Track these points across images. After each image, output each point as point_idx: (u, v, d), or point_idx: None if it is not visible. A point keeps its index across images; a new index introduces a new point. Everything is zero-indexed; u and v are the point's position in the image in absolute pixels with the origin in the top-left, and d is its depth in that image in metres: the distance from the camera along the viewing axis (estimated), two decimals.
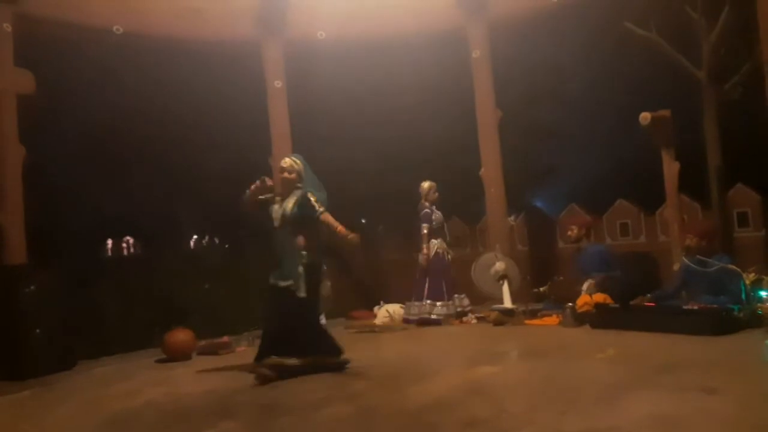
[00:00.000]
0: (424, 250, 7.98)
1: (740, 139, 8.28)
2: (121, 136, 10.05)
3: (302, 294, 5.31)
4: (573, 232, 7.85)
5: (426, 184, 8.23)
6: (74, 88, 8.98)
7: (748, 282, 6.05)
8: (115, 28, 7.69)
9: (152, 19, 8.01)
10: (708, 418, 3.51)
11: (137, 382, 5.83)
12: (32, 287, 6.58)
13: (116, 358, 7.18)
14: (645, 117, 7.23)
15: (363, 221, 12.36)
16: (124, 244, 12.84)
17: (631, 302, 6.59)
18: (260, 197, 5.51)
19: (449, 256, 8.18)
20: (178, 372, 6.26)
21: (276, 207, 5.50)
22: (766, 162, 6.80)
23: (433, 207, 8.15)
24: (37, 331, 6.45)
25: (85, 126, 9.52)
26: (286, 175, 5.53)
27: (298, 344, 5.38)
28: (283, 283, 5.34)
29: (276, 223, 5.43)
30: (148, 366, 6.62)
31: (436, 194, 8.20)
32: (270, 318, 5.54)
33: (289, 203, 5.44)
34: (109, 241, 12.51)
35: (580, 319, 6.75)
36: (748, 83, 7.88)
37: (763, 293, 6.04)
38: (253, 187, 5.48)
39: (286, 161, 5.61)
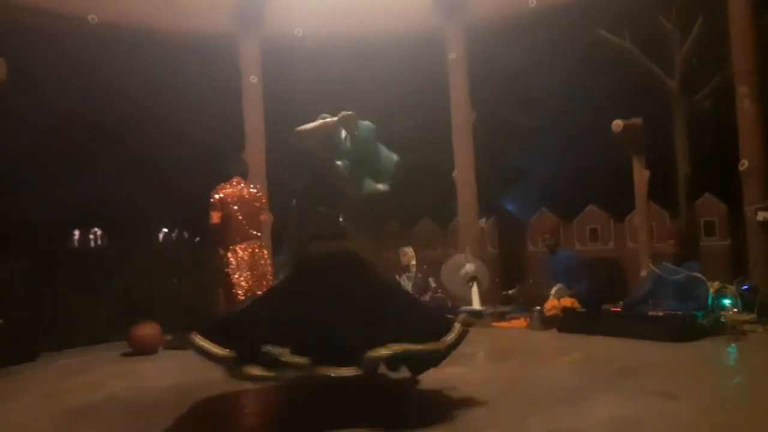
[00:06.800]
0: None
1: (709, 149, 8.41)
2: (92, 127, 9.90)
3: None
4: (548, 239, 7.86)
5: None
6: (44, 75, 8.82)
7: (712, 290, 6.15)
8: (90, 17, 7.58)
9: (128, 9, 7.90)
10: (668, 421, 3.57)
11: (100, 375, 5.75)
12: None
13: (80, 351, 7.05)
14: (617, 124, 7.30)
15: None
16: (92, 236, 12.63)
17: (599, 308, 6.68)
18: None
19: None
20: (142, 366, 6.20)
21: None
22: (733, 173, 6.89)
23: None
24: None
25: (55, 115, 9.36)
26: None
27: None
28: None
29: None
30: (113, 359, 6.52)
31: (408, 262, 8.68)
32: None
33: None
34: (76, 232, 12.30)
35: (548, 322, 6.80)
36: (718, 95, 8.03)
37: (726, 301, 6.15)
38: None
39: None
